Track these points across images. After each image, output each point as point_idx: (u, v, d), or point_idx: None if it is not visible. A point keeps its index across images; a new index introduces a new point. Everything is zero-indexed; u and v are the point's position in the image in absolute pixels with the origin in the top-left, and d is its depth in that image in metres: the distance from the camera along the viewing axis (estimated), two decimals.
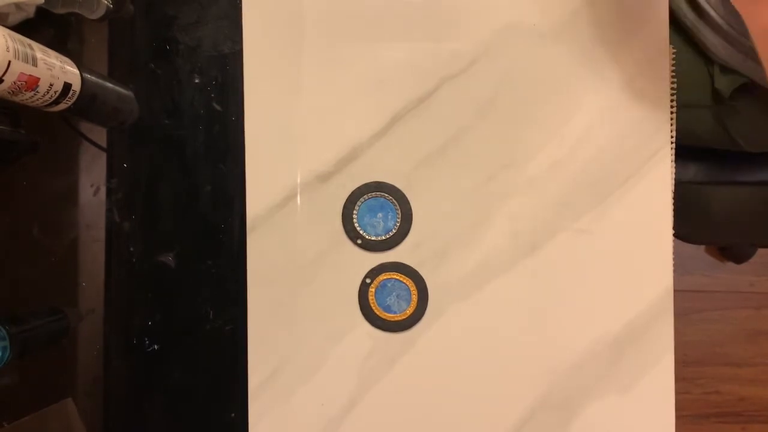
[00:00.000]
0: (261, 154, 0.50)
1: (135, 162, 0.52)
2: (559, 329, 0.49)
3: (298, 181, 0.50)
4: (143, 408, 0.51)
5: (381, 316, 0.49)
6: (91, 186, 0.53)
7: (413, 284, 0.49)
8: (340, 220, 0.50)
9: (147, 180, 0.52)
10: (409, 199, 0.50)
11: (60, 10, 0.48)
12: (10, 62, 0.36)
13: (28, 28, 0.46)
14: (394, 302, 0.49)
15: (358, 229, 0.50)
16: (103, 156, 0.52)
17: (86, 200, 0.53)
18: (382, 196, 0.50)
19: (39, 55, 0.39)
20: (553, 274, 0.49)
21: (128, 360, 0.51)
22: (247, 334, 0.49)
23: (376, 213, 0.50)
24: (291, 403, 0.49)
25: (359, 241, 0.50)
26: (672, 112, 0.50)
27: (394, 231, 0.50)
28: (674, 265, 0.49)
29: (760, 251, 1.19)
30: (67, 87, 0.43)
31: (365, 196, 0.50)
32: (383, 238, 0.50)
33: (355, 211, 0.50)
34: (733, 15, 0.55)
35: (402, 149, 0.50)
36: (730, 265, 1.21)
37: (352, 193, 0.50)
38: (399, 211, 0.50)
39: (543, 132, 0.50)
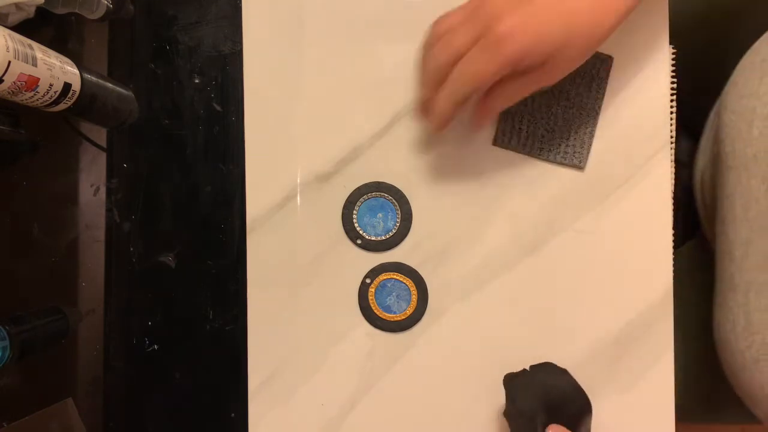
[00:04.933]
0: (261, 154, 0.50)
1: (135, 162, 0.52)
2: (559, 329, 0.49)
3: (298, 181, 0.50)
4: (143, 408, 0.51)
5: (381, 316, 0.49)
6: (91, 186, 0.53)
7: (413, 284, 0.49)
8: (340, 220, 0.50)
9: (147, 180, 0.52)
10: (409, 199, 0.50)
11: (60, 10, 0.48)
12: (10, 62, 0.36)
13: (28, 28, 0.46)
14: (394, 302, 0.49)
15: (358, 229, 0.50)
16: (103, 156, 0.52)
17: (86, 200, 0.53)
18: (382, 196, 0.50)
19: (39, 55, 0.39)
20: (553, 274, 0.49)
21: (128, 360, 0.51)
22: (247, 334, 0.49)
23: (376, 213, 0.50)
24: (291, 403, 0.49)
25: (359, 241, 0.50)
26: (672, 112, 0.49)
27: (394, 231, 0.50)
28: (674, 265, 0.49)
29: None
30: (67, 87, 0.43)
31: (365, 196, 0.50)
32: (383, 238, 0.50)
33: (355, 211, 0.50)
34: None
35: (402, 149, 0.50)
36: None
37: (352, 193, 0.50)
38: (399, 211, 0.50)
39: None
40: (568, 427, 0.42)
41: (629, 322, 0.49)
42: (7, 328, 0.45)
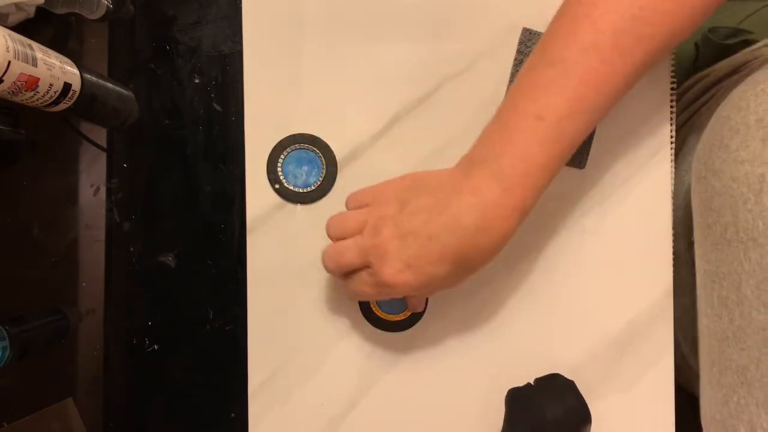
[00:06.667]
0: (261, 153, 0.50)
1: (135, 162, 0.52)
2: (560, 329, 0.49)
3: None
4: (143, 408, 0.51)
5: (381, 316, 0.49)
6: (91, 186, 0.53)
7: None
8: None
9: (147, 180, 0.52)
10: None
11: (60, 10, 0.48)
12: (10, 62, 0.36)
13: (28, 28, 0.46)
14: (394, 302, 0.49)
15: None
16: (103, 156, 0.52)
17: (86, 200, 0.53)
18: None
19: (39, 55, 0.39)
20: (553, 274, 0.49)
21: (128, 360, 0.51)
22: (247, 334, 0.49)
23: None
24: (291, 403, 0.49)
25: None
26: (672, 112, 0.49)
27: None
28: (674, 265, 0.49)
29: None
30: (67, 87, 0.43)
31: None
32: None
33: None
34: None
35: (402, 149, 0.50)
36: None
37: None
38: None
39: None
40: None
41: (629, 322, 0.49)
42: (7, 328, 0.45)
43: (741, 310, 0.37)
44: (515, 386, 0.46)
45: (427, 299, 0.49)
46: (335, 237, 0.43)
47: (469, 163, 0.41)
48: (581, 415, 0.43)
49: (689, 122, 0.58)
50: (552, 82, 0.38)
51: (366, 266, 0.40)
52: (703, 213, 0.41)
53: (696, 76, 0.61)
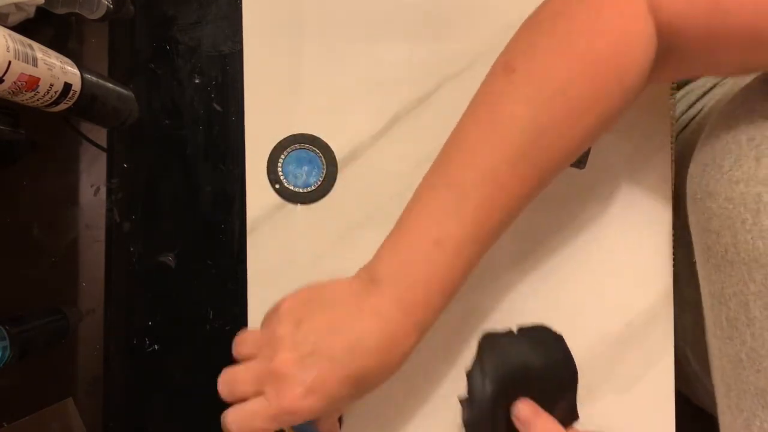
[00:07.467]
0: (261, 153, 0.50)
1: (135, 162, 0.52)
2: (560, 329, 0.49)
3: None
4: (143, 408, 0.51)
5: None
6: (91, 186, 0.53)
7: None
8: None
9: (147, 180, 0.52)
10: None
11: (60, 10, 0.48)
12: (10, 62, 0.36)
13: (28, 28, 0.46)
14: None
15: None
16: (103, 156, 0.52)
17: (86, 200, 0.53)
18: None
19: (39, 55, 0.39)
20: (553, 274, 0.49)
21: (128, 360, 0.51)
22: None
23: None
24: None
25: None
26: (672, 112, 0.49)
27: None
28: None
29: None
30: (67, 87, 0.43)
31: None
32: None
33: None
34: None
35: (402, 149, 0.50)
36: None
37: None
38: None
39: None
40: (544, 403, 0.39)
41: (629, 322, 0.49)
42: (7, 328, 0.45)
43: (752, 331, 0.36)
44: (493, 330, 0.42)
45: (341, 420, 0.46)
46: (237, 359, 0.40)
47: (369, 279, 0.39)
48: (567, 370, 0.40)
49: (680, 137, 0.57)
50: (450, 205, 0.37)
51: (258, 394, 0.37)
52: (701, 234, 0.41)
53: (685, 88, 0.61)
